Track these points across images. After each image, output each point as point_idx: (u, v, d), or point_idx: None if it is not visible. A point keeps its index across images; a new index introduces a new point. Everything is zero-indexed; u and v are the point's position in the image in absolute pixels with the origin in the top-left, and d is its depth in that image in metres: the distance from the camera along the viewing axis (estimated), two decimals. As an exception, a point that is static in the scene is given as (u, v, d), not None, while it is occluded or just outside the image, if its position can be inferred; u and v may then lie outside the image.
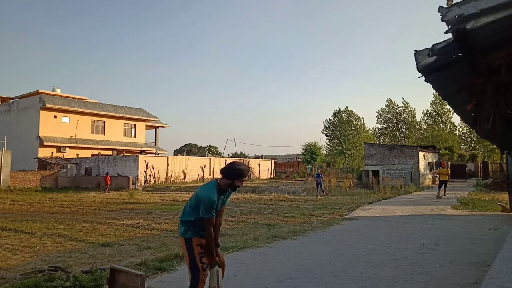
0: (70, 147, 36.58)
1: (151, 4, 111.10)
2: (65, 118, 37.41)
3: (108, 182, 25.46)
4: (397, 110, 61.60)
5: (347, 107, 59.93)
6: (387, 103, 62.42)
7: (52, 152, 35.51)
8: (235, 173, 3.47)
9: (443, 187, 17.45)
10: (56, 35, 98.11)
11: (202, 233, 3.42)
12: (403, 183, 22.54)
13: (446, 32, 3.18)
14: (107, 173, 26.94)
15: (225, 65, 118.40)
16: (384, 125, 62.51)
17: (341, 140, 56.33)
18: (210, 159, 36.02)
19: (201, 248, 3.41)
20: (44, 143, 34.92)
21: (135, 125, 44.02)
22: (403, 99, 65.98)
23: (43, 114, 35.54)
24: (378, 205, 14.48)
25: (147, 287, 4.19)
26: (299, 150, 54.11)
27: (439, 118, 61.10)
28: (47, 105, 35.32)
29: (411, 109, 61.33)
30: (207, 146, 72.59)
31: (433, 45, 3.50)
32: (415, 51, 3.65)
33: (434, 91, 5.30)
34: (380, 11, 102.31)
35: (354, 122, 58.70)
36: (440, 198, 16.41)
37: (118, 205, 16.34)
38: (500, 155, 32.76)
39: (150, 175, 29.10)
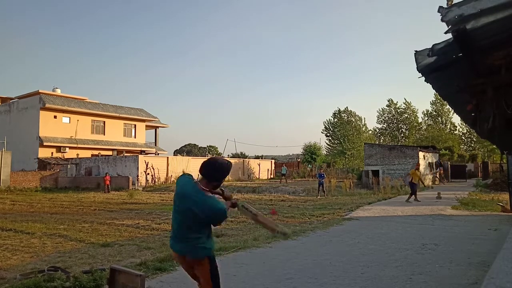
0: (70, 147, 36.56)
1: (151, 4, 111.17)
2: (65, 118, 37.39)
3: (108, 182, 25.37)
4: (398, 110, 61.62)
5: (347, 107, 60.16)
6: (388, 103, 62.59)
7: (52, 152, 35.49)
8: (224, 171, 2.91)
9: (421, 191, 17.04)
10: (56, 35, 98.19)
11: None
12: (403, 183, 22.53)
13: (446, 32, 3.19)
14: (106, 173, 26.92)
15: (225, 65, 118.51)
16: (385, 125, 62.58)
17: (341, 140, 56.34)
18: (210, 159, 35.96)
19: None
20: (44, 143, 34.90)
21: (135, 125, 44.00)
22: (405, 99, 65.97)
23: (43, 114, 35.52)
24: (378, 205, 14.47)
25: (147, 287, 4.19)
26: (299, 150, 54.04)
27: (439, 118, 61.11)
28: (47, 105, 35.30)
29: (414, 109, 61.42)
30: (207, 146, 72.59)
31: (433, 45, 3.50)
32: (415, 51, 3.65)
33: (434, 91, 5.30)
34: (380, 11, 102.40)
35: (354, 122, 58.74)
36: (440, 198, 16.40)
37: (118, 205, 16.34)
38: (500, 155, 32.78)
39: (150, 175, 29.11)
